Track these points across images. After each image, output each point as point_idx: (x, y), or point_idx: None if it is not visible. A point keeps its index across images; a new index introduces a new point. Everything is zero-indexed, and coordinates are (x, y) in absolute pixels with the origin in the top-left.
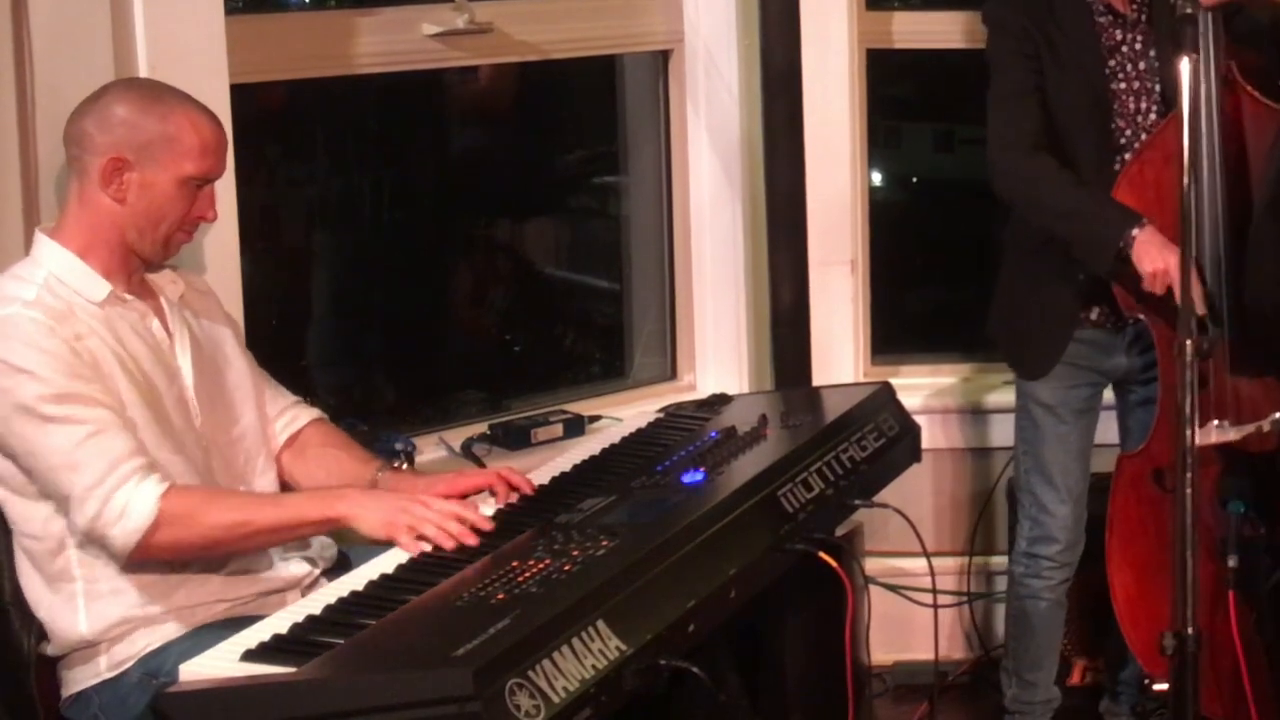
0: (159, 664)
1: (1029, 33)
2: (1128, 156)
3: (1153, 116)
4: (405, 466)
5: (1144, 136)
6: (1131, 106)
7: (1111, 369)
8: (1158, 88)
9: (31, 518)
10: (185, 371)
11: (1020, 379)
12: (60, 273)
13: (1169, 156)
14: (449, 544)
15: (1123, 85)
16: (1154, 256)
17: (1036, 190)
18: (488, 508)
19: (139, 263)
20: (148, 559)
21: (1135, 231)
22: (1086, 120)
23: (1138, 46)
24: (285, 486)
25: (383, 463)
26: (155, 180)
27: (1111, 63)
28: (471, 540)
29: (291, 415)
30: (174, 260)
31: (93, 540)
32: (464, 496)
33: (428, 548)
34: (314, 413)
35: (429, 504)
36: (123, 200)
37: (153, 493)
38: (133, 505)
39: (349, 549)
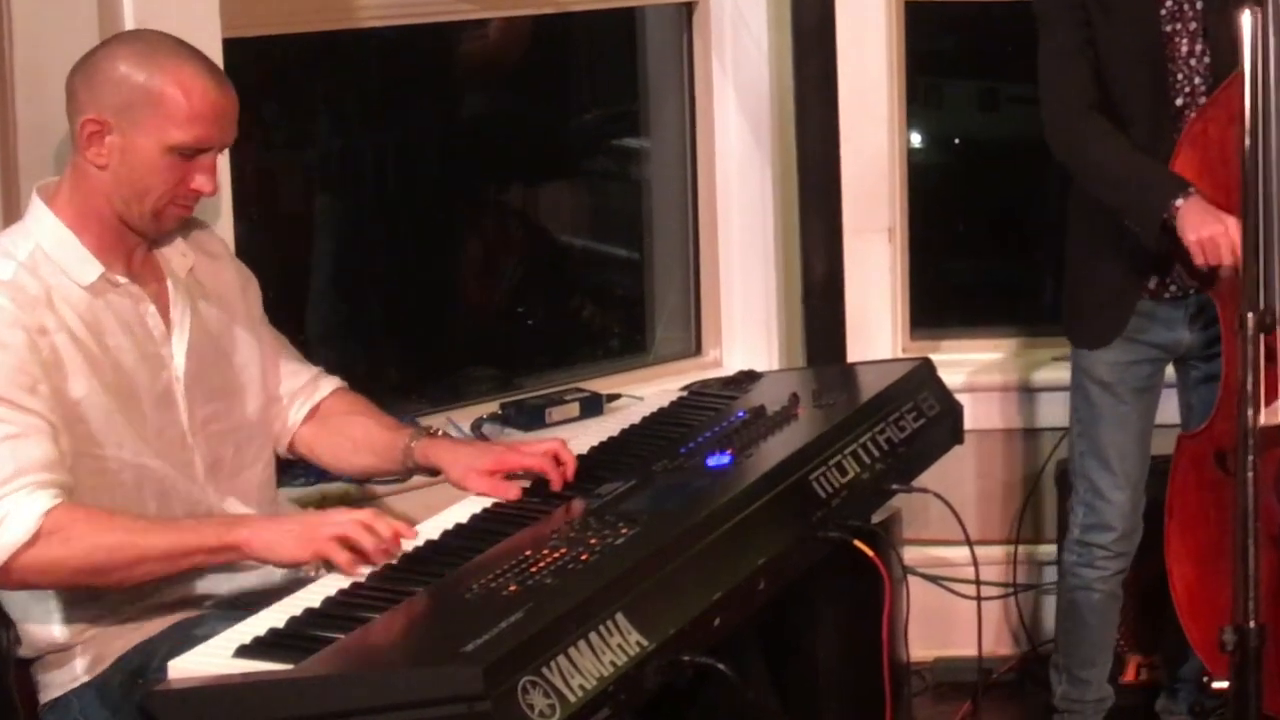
0: (143, 663)
1: None
2: (1180, 103)
3: (1207, 59)
4: (443, 434)
5: (1197, 80)
6: (1184, 49)
7: (1173, 344)
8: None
9: None
10: (178, 362)
11: (1076, 351)
12: (49, 247)
13: (1234, 115)
14: (382, 558)
15: (1178, 27)
16: (1196, 224)
17: (1088, 153)
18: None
19: (137, 238)
20: (14, 580)
21: (1179, 201)
22: (1140, 69)
23: None
24: (303, 464)
25: (415, 430)
26: (136, 146)
27: (1168, 3)
28: (409, 535)
29: (313, 388)
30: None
31: None
32: (511, 476)
33: (364, 570)
34: (335, 382)
35: (344, 511)
36: (104, 167)
37: (37, 507)
38: (11, 517)
39: None
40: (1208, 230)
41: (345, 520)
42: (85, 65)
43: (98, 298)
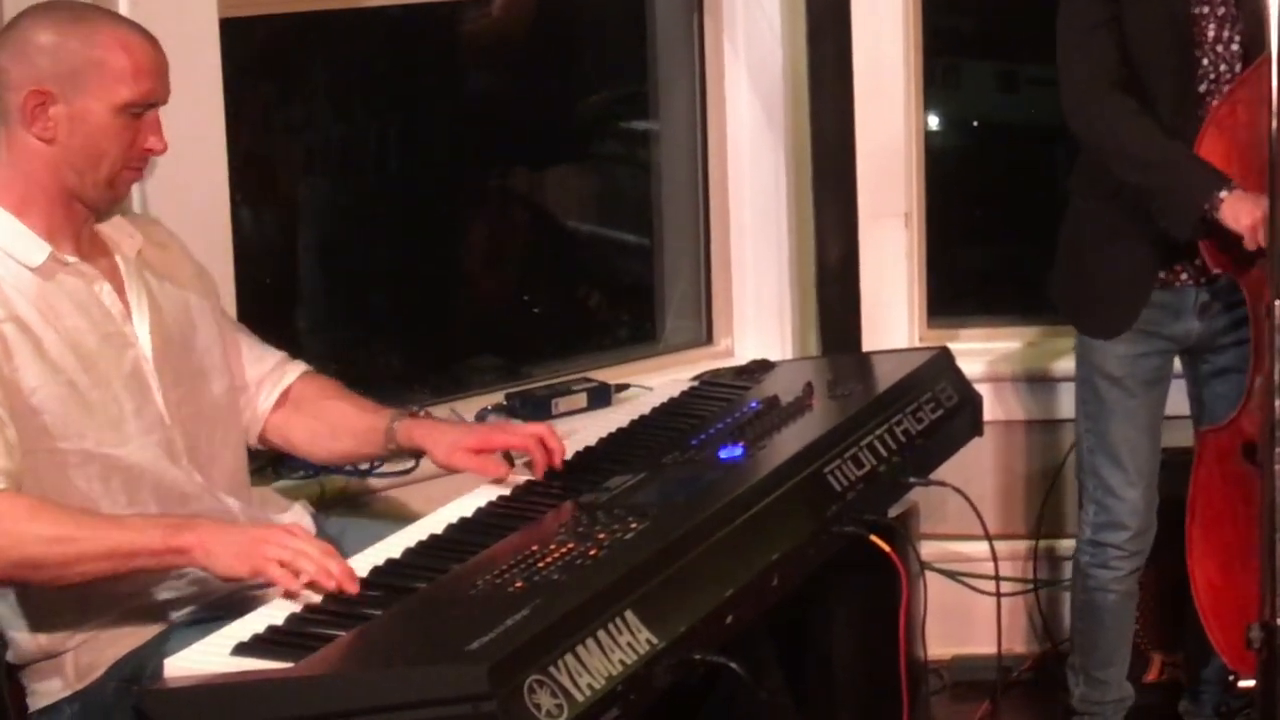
0: (136, 669)
1: None
2: (1203, 89)
3: (1235, 46)
4: (424, 414)
5: (1223, 67)
6: (1212, 34)
7: (1182, 335)
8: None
9: None
10: (143, 341)
11: (1084, 345)
12: None
13: (1263, 98)
14: (329, 583)
15: (1206, 11)
16: (1249, 209)
17: (1116, 136)
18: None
19: (86, 213)
20: None
21: (1223, 194)
22: (1166, 51)
23: None
24: (272, 452)
25: (397, 411)
26: (86, 111)
27: None
28: (350, 587)
29: (279, 373)
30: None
31: None
32: (495, 453)
33: (301, 586)
34: (301, 366)
35: (295, 533)
36: (52, 139)
37: None
38: None
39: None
40: (1261, 212)
41: (291, 545)
42: (8, 42)
43: (48, 280)
